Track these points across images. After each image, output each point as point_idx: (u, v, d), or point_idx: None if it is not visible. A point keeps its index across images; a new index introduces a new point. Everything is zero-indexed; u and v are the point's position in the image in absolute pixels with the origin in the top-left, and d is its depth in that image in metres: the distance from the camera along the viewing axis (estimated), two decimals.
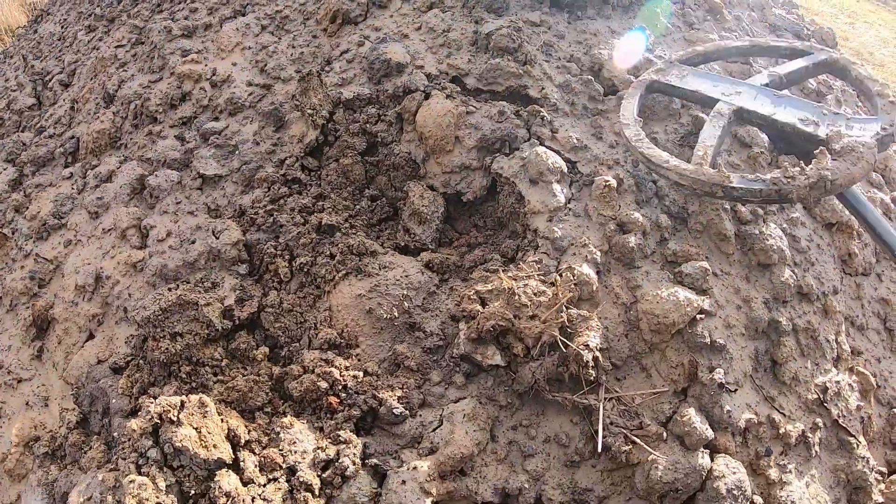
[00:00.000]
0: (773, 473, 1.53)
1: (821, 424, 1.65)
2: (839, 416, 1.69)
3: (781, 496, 1.52)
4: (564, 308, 1.36)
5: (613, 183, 1.52)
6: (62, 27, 2.66)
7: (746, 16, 2.21)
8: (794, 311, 1.67)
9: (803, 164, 1.34)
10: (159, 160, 1.87)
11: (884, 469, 1.78)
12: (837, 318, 1.76)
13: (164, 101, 1.98)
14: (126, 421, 1.54)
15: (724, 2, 2.12)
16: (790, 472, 1.57)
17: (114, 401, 1.59)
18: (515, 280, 1.37)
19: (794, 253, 1.72)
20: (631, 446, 1.38)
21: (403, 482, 1.27)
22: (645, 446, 1.38)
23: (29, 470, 1.77)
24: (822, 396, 1.67)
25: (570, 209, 1.51)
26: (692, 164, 1.37)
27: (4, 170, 2.37)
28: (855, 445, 1.69)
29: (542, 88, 1.64)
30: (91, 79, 2.30)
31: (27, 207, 2.18)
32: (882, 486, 1.75)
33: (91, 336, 1.79)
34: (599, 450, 1.34)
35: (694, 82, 1.57)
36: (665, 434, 1.42)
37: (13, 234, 2.19)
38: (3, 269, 2.17)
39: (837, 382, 1.71)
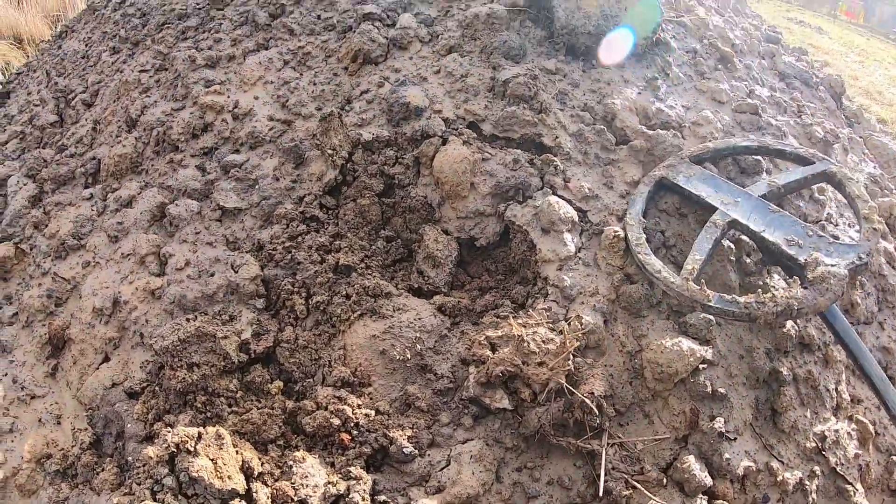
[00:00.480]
0: None
1: (819, 472, 1.70)
2: (837, 465, 1.73)
3: None
4: (571, 356, 1.41)
5: (622, 233, 1.58)
6: (86, 45, 2.73)
7: (756, 64, 2.28)
8: (794, 360, 1.72)
9: (774, 292, 1.50)
10: (180, 189, 1.93)
11: None
12: (838, 367, 1.81)
13: (186, 130, 2.04)
14: (141, 446, 1.59)
15: (734, 51, 2.19)
16: None
17: (129, 425, 1.64)
18: (525, 327, 1.42)
19: None
20: (631, 491, 1.43)
21: None
22: (645, 492, 1.42)
23: (39, 486, 1.81)
24: (820, 445, 1.72)
25: (579, 258, 1.56)
26: (679, 279, 1.52)
27: (25, 185, 2.43)
28: (852, 493, 1.73)
29: (556, 137, 1.70)
30: (114, 101, 2.36)
31: (46, 225, 2.24)
32: None
33: (106, 358, 1.84)
34: (601, 494, 1.38)
35: (699, 185, 1.67)
36: (665, 480, 1.46)
37: (31, 249, 2.25)
38: (20, 284, 2.22)
39: (836, 431, 1.76)
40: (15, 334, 2.09)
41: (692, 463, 1.46)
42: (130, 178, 2.12)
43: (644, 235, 1.59)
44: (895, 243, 2.14)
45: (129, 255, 1.92)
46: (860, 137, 2.31)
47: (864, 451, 1.83)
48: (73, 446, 1.78)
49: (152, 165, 2.08)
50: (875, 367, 1.60)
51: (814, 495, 1.69)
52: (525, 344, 1.39)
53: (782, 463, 1.64)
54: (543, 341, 1.42)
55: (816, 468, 1.70)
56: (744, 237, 1.69)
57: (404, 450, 1.37)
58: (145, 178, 2.08)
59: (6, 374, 2.02)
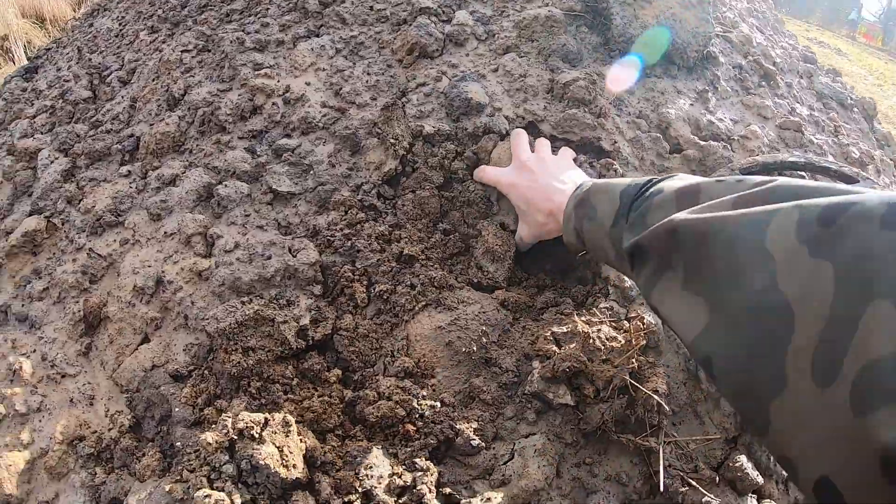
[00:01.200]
0: None
1: None
2: None
3: None
4: (636, 355, 1.43)
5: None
6: (120, 24, 2.68)
7: (796, 83, 2.34)
8: None
9: None
10: (228, 170, 1.91)
11: None
12: None
13: (234, 112, 2.02)
14: (190, 431, 1.56)
15: (776, 68, 2.25)
16: None
17: (176, 409, 1.61)
18: (589, 325, 1.44)
19: None
20: (687, 488, 1.46)
21: None
22: (700, 489, 1.45)
23: (70, 469, 1.76)
24: None
25: None
26: None
27: (56, 159, 2.38)
28: None
29: (615, 142, 1.73)
30: (153, 80, 2.32)
31: (80, 200, 2.19)
32: None
33: (146, 339, 1.81)
34: (661, 489, 1.41)
35: None
36: (717, 479, 1.50)
37: (63, 224, 2.20)
38: (50, 259, 2.17)
39: None
40: (45, 310, 2.04)
41: (745, 462, 1.50)
42: (173, 157, 2.09)
43: None
44: None
45: (173, 234, 1.89)
46: (891, 160, 2.39)
47: None
48: (109, 429, 1.74)
49: (196, 145, 2.05)
50: None
51: None
52: (590, 341, 1.41)
53: None
54: (607, 339, 1.44)
55: None
56: None
57: (471, 442, 1.37)
58: (189, 157, 2.05)
59: (35, 351, 1.97)
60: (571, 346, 1.38)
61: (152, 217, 1.98)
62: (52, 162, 2.29)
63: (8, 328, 2.07)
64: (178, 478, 1.39)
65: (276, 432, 1.32)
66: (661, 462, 1.43)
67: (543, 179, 1.40)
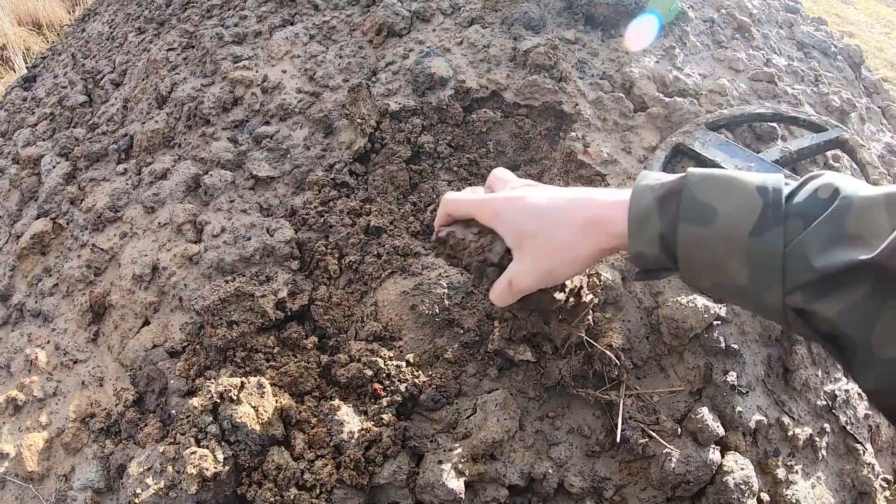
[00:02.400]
0: (781, 473, 1.70)
1: (828, 430, 1.81)
2: (847, 423, 1.85)
3: (787, 495, 1.68)
4: (590, 312, 1.53)
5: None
6: (111, 27, 2.88)
7: (774, 33, 2.36)
8: None
9: None
10: (213, 160, 2.07)
11: (890, 477, 1.94)
12: None
13: (216, 105, 2.17)
14: (184, 400, 1.74)
15: (752, 20, 2.28)
16: (797, 472, 1.73)
17: (172, 381, 1.79)
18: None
19: None
20: (648, 440, 1.56)
21: (439, 462, 1.45)
22: (661, 440, 1.55)
23: (84, 444, 1.97)
24: (830, 403, 1.83)
25: None
26: None
27: (58, 163, 2.59)
28: (861, 452, 1.84)
29: (576, 104, 1.82)
30: (143, 80, 2.50)
31: (82, 200, 2.39)
32: (888, 492, 1.90)
33: (146, 322, 2.00)
34: (618, 440, 1.51)
35: (714, 151, 1.77)
36: (679, 430, 1.59)
37: (68, 224, 2.41)
38: (58, 257, 2.39)
39: (846, 391, 1.87)
40: (56, 304, 2.25)
41: (706, 414, 1.58)
42: (164, 153, 2.27)
43: None
44: None
45: (165, 224, 2.07)
46: (878, 108, 2.39)
47: (874, 412, 1.94)
48: (116, 405, 1.94)
49: (185, 139, 2.22)
50: None
51: (824, 451, 1.80)
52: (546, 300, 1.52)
53: (793, 419, 1.76)
54: (564, 298, 1.54)
55: (826, 426, 1.81)
56: None
57: (433, 398, 1.51)
58: (178, 151, 2.22)
59: (48, 342, 2.19)
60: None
61: (147, 210, 2.16)
62: (54, 167, 2.50)
63: (24, 324, 2.30)
64: (172, 440, 1.57)
65: (251, 394, 1.48)
66: (621, 414, 1.54)
67: (556, 192, 0.97)
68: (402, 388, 1.52)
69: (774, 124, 1.93)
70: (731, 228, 0.75)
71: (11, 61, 5.03)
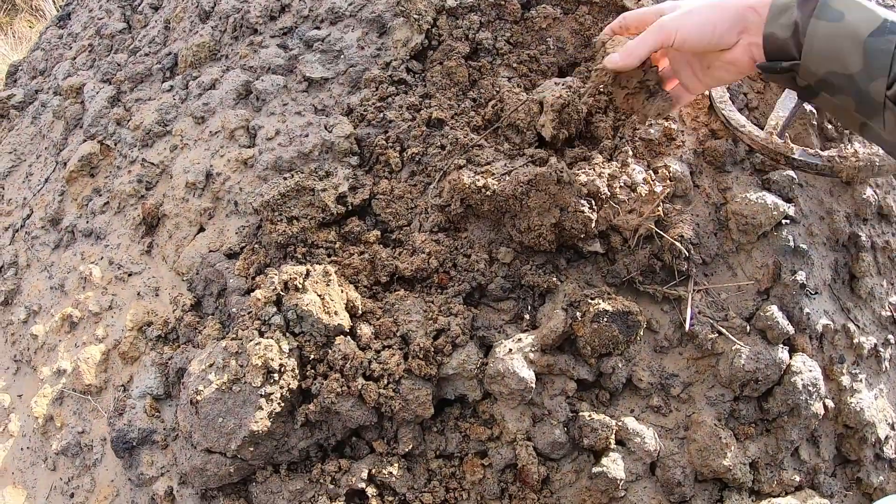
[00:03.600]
0: (846, 380, 1.63)
1: (893, 342, 1.74)
2: None
3: (851, 402, 1.61)
4: (661, 203, 1.45)
5: (706, 91, 1.59)
6: None
7: None
8: (873, 229, 1.75)
9: (856, 147, 1.53)
10: (263, 67, 1.99)
11: None
12: None
13: (263, 14, 2.09)
14: (244, 298, 1.69)
15: None
16: (861, 381, 1.66)
17: (231, 281, 1.75)
18: (613, 178, 1.47)
19: None
20: (717, 335, 1.49)
21: (510, 351, 1.40)
22: (730, 336, 1.49)
23: (142, 353, 1.94)
24: (895, 315, 1.75)
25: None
26: (764, 132, 1.56)
27: (102, 89, 2.51)
28: None
29: (639, 0, 1.71)
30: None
31: (129, 120, 2.33)
32: None
33: (201, 229, 1.95)
34: (687, 331, 1.45)
35: None
36: (748, 328, 1.52)
37: (116, 144, 2.34)
38: (108, 177, 2.33)
39: None
40: (108, 221, 2.21)
41: (775, 311, 1.52)
42: (210, 65, 2.20)
43: (728, 94, 1.61)
44: None
45: (217, 132, 2.00)
46: None
47: None
48: (173, 311, 1.90)
49: (232, 50, 2.14)
50: None
51: (887, 363, 1.74)
52: (615, 191, 1.44)
53: (858, 327, 1.69)
54: (632, 189, 1.47)
55: (891, 337, 1.74)
56: None
57: (502, 287, 1.44)
58: (225, 63, 2.15)
59: (102, 258, 2.15)
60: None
61: (197, 121, 2.09)
62: (97, 92, 2.44)
63: (76, 244, 2.26)
64: (234, 336, 1.52)
65: (317, 282, 1.43)
66: (689, 306, 1.47)
67: None
68: (469, 277, 1.46)
69: None
70: (854, 27, 0.92)
71: (42, 10, 4.93)
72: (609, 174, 1.48)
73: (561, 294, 1.46)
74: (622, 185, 1.48)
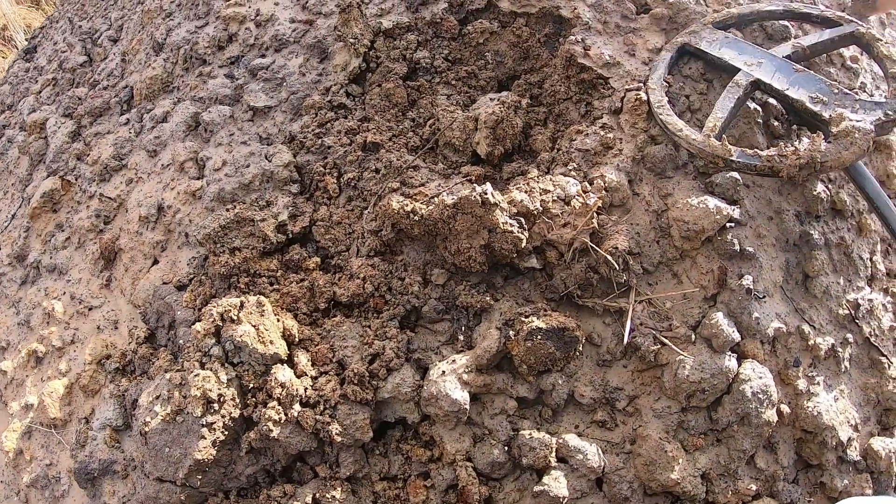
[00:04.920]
0: (801, 384, 1.63)
1: (851, 341, 1.73)
2: (871, 335, 1.77)
3: (808, 407, 1.61)
4: (595, 214, 1.47)
5: (644, 96, 1.61)
6: None
7: None
8: (826, 226, 1.75)
9: (797, 145, 1.55)
10: (211, 98, 2.05)
11: None
12: (872, 237, 1.83)
13: (211, 44, 2.15)
14: (190, 330, 1.73)
15: None
16: (818, 384, 1.66)
17: (179, 313, 1.79)
18: (545, 192, 1.49)
19: None
20: (659, 346, 1.50)
21: (443, 372, 1.42)
22: (673, 346, 1.50)
23: (101, 385, 2.00)
24: (853, 313, 1.75)
25: (603, 123, 1.61)
26: (701, 135, 1.59)
27: (63, 123, 2.59)
28: (886, 365, 1.76)
29: (575, 8, 1.75)
30: (139, 31, 2.49)
31: (88, 154, 2.39)
32: None
33: (155, 261, 2.01)
34: (625, 342, 1.46)
35: (722, 49, 1.73)
36: (693, 337, 1.53)
37: (76, 180, 2.41)
38: (69, 212, 2.40)
39: (870, 301, 1.79)
40: (69, 256, 2.28)
41: (720, 319, 1.52)
42: (163, 97, 2.26)
43: (666, 98, 1.63)
44: None
45: (168, 164, 2.06)
46: None
47: None
48: (129, 344, 1.94)
49: (183, 82, 2.20)
50: None
51: (847, 363, 1.73)
52: (548, 206, 1.46)
53: (814, 327, 1.68)
54: (566, 202, 1.49)
55: (849, 336, 1.74)
56: (771, 100, 1.71)
57: (436, 309, 1.47)
58: (177, 94, 2.21)
59: (64, 293, 2.22)
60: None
61: (150, 154, 2.15)
62: (59, 128, 2.51)
63: (41, 280, 2.33)
64: (179, 367, 1.57)
65: (251, 313, 1.47)
66: (629, 320, 1.48)
67: None
68: (405, 300, 1.49)
69: (787, 23, 1.83)
70: None
71: (14, 40, 5.05)
72: (541, 188, 1.50)
73: (496, 313, 1.48)
74: (555, 198, 1.50)
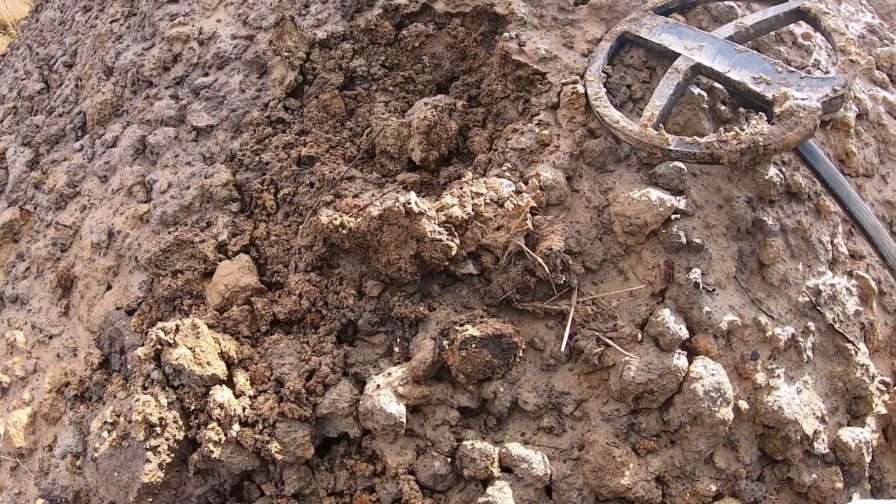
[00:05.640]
0: (760, 378, 1.59)
1: (814, 329, 1.69)
2: (835, 321, 1.73)
3: (768, 401, 1.57)
4: (528, 215, 1.45)
5: (581, 89, 1.60)
6: (61, 12, 2.91)
7: None
8: (782, 210, 1.72)
9: (738, 129, 1.51)
10: (157, 120, 2.07)
11: (889, 379, 1.80)
12: (832, 218, 1.79)
13: (157, 66, 2.16)
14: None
15: None
16: (779, 377, 1.62)
17: (127, 338, 1.80)
18: (478, 196, 1.48)
19: None
20: (603, 348, 1.47)
21: (378, 386, 1.41)
22: (617, 347, 1.47)
23: (62, 413, 2.02)
24: (814, 300, 1.71)
25: (539, 119, 1.59)
26: (637, 126, 1.56)
27: (21, 153, 2.62)
28: (853, 352, 1.72)
29: (509, 4, 1.74)
30: (91, 55, 2.51)
31: (45, 183, 2.42)
32: (886, 396, 1.76)
33: (109, 287, 2.03)
34: (562, 350, 1.43)
35: (662, 35, 1.71)
36: (640, 336, 1.50)
37: (35, 209, 2.44)
38: (29, 241, 2.43)
39: (832, 286, 1.75)
40: (29, 286, 2.30)
41: (666, 316, 1.50)
42: (114, 122, 2.28)
43: (604, 90, 1.61)
44: None
45: (118, 189, 2.08)
46: None
47: (867, 309, 1.81)
48: (85, 370, 1.96)
49: (132, 105, 2.23)
50: (867, 212, 1.58)
51: (809, 353, 1.69)
52: (480, 210, 1.45)
53: (772, 318, 1.65)
54: (499, 205, 1.47)
55: (811, 324, 1.70)
56: (717, 85, 1.68)
57: (370, 322, 1.46)
58: (126, 118, 2.23)
59: (26, 323, 2.25)
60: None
61: (101, 179, 2.18)
62: (17, 156, 2.55)
63: (4, 311, 2.36)
64: (127, 393, 1.58)
65: (186, 335, 1.48)
66: (569, 323, 1.46)
67: None
68: (341, 314, 1.48)
69: (732, 3, 1.80)
70: None
71: None
72: (473, 192, 1.49)
73: (433, 322, 1.48)
74: (488, 201, 1.49)
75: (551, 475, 1.44)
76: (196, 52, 2.12)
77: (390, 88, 1.79)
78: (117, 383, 1.80)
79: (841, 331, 1.74)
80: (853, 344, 1.74)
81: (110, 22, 2.47)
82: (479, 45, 1.77)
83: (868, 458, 1.69)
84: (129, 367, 1.78)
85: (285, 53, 1.81)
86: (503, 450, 1.42)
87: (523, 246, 1.44)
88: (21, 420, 2.09)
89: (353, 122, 1.77)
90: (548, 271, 1.41)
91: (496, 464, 1.40)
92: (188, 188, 1.82)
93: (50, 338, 2.17)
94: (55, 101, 2.61)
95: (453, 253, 1.42)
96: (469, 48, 1.79)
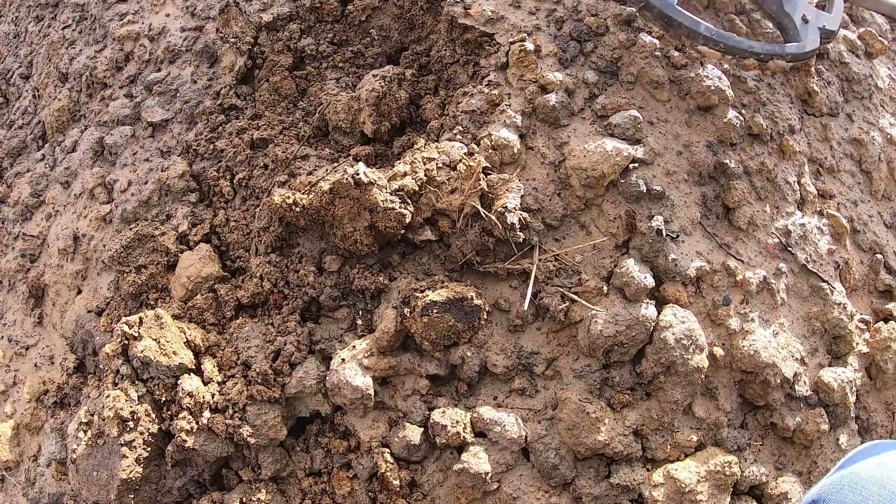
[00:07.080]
0: (734, 323, 1.61)
1: (786, 270, 1.71)
2: (807, 261, 1.75)
3: (744, 346, 1.59)
4: (482, 176, 1.48)
5: (530, 46, 1.62)
6: (15, 24, 2.95)
7: None
8: (744, 152, 1.74)
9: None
10: (113, 120, 2.10)
11: (869, 318, 1.82)
12: (798, 158, 1.81)
13: (110, 66, 2.19)
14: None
15: None
16: (753, 320, 1.64)
17: (98, 339, 1.84)
18: (428, 160, 1.50)
19: (739, 94, 1.77)
20: (569, 304, 1.49)
21: (343, 360, 1.44)
22: (583, 301, 1.50)
23: (43, 421, 2.06)
24: (784, 241, 1.73)
25: (488, 81, 1.62)
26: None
27: None
28: (829, 291, 1.74)
29: None
30: (46, 64, 2.55)
31: (10, 196, 2.45)
32: (867, 335, 1.78)
33: (79, 291, 2.06)
34: (525, 307, 1.46)
35: None
36: (606, 289, 1.52)
37: (3, 223, 2.47)
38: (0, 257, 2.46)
39: (803, 225, 1.77)
40: (2, 300, 2.34)
41: (630, 265, 1.52)
42: (73, 127, 2.31)
43: None
44: (857, 32, 2.07)
45: (80, 194, 2.11)
46: None
47: (840, 247, 1.83)
48: (61, 376, 2.00)
49: (88, 108, 2.26)
50: None
51: (783, 295, 1.71)
52: (433, 174, 1.47)
53: (742, 262, 1.67)
54: (452, 167, 1.50)
55: (783, 265, 1.72)
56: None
57: (331, 297, 1.49)
58: (84, 122, 2.26)
59: (2, 337, 2.29)
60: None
61: (63, 186, 2.21)
62: None
63: None
64: (99, 392, 1.62)
65: (150, 327, 1.51)
66: (532, 280, 1.48)
67: None
68: (302, 292, 1.51)
69: None
70: None
71: None
72: (425, 157, 1.51)
73: (395, 291, 1.50)
74: (440, 165, 1.51)
75: (526, 436, 1.47)
76: (147, 49, 2.15)
77: (340, 65, 1.82)
78: (93, 385, 1.83)
79: (815, 270, 1.76)
80: (828, 283, 1.76)
81: (62, 29, 2.50)
82: (426, 14, 1.80)
83: (853, 399, 1.71)
84: (101, 366, 1.82)
85: (232, 39, 1.84)
86: (475, 415, 1.45)
87: (478, 206, 1.46)
88: (5, 433, 2.13)
89: (305, 101, 1.80)
90: (503, 229, 1.43)
91: (469, 429, 1.43)
92: (146, 183, 1.85)
93: (27, 349, 2.21)
94: (15, 114, 2.64)
95: (408, 220, 1.44)
96: (416, 17, 1.82)
